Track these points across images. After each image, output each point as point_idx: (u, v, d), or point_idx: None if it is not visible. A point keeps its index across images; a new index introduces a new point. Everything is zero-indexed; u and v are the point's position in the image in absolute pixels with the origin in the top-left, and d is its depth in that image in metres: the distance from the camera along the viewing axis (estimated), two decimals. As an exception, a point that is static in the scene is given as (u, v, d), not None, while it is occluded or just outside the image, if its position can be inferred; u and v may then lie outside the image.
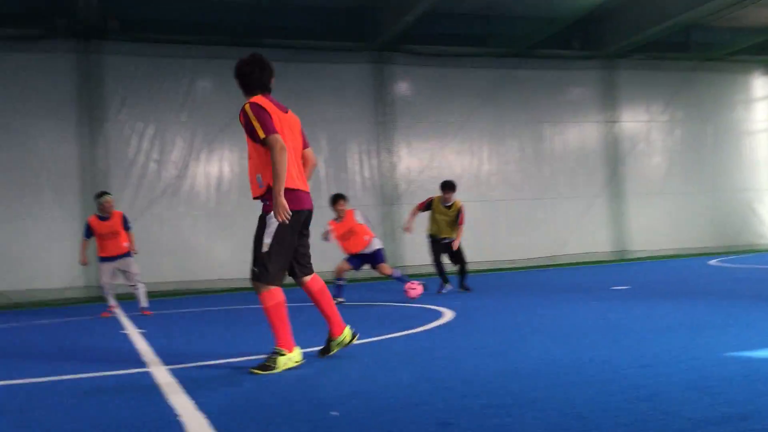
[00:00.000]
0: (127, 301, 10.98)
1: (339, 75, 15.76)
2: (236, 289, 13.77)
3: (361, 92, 15.94)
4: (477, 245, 16.52)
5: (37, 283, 13.23)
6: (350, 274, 10.06)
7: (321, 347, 4.91)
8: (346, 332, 4.84)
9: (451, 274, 10.53)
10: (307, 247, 4.86)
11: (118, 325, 8.18)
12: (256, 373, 4.30)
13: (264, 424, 3.09)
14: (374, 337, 5.80)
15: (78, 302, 13.00)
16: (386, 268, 9.67)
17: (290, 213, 4.38)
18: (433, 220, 10.22)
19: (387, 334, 5.96)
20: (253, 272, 4.54)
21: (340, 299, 9.47)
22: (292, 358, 4.47)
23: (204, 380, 4.28)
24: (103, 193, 9.82)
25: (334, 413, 3.19)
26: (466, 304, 8.33)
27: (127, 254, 9.66)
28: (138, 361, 5.20)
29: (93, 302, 12.69)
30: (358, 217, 9.54)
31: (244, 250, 14.11)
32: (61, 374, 4.80)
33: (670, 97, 18.37)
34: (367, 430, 2.90)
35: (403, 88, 16.37)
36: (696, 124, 18.70)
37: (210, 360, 4.99)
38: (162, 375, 4.49)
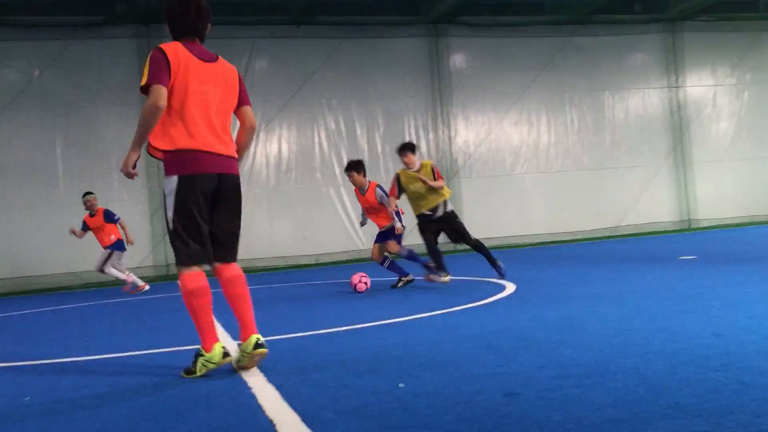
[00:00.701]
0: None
1: (394, 50, 15.71)
2: (296, 266, 13.99)
3: (416, 66, 15.86)
4: (537, 217, 16.37)
5: (108, 264, 13.68)
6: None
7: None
8: (252, 339, 3.91)
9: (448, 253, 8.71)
10: (230, 226, 4.02)
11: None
12: (183, 376, 3.84)
13: (333, 395, 3.16)
14: (439, 310, 5.83)
15: (148, 281, 13.39)
16: (393, 245, 8.48)
17: (134, 173, 3.88)
18: (411, 198, 8.20)
19: (451, 307, 5.98)
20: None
21: (407, 278, 8.39)
22: (210, 359, 3.82)
23: (273, 354, 4.37)
24: (87, 193, 11.13)
25: (401, 385, 3.24)
26: (528, 277, 8.28)
27: (113, 246, 10.90)
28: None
29: (162, 281, 13.11)
30: (378, 196, 8.38)
31: (304, 229, 14.27)
32: (136, 350, 4.99)
33: (738, 60, 17.70)
34: (434, 401, 2.93)
35: (458, 60, 16.21)
36: (765, 86, 17.98)
37: (277, 335, 5.10)
38: (232, 350, 4.61)
